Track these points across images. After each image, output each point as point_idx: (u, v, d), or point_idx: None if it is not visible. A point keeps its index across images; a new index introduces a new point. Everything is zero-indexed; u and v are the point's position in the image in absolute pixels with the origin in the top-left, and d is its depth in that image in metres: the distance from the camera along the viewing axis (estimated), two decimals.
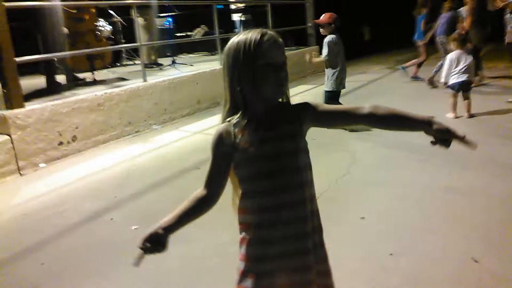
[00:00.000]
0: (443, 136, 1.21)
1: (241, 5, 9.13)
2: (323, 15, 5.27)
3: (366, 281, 2.30)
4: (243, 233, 1.37)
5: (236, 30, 9.42)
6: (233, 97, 1.33)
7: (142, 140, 5.42)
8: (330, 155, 4.38)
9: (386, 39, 12.72)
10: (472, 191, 3.29)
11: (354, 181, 3.70)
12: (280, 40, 1.32)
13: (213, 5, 7.55)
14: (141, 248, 1.29)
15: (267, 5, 8.93)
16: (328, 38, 5.18)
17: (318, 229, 1.39)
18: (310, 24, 10.33)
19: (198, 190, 1.39)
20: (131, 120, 5.63)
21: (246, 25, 9.31)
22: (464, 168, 3.74)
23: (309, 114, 1.36)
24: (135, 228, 3.05)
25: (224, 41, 7.87)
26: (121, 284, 2.46)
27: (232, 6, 9.25)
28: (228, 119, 1.35)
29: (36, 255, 2.85)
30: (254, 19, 9.54)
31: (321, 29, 5.31)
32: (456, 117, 5.33)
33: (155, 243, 1.30)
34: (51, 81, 5.88)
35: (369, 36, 13.75)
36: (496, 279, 2.22)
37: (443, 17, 7.49)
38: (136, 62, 8.45)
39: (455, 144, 1.21)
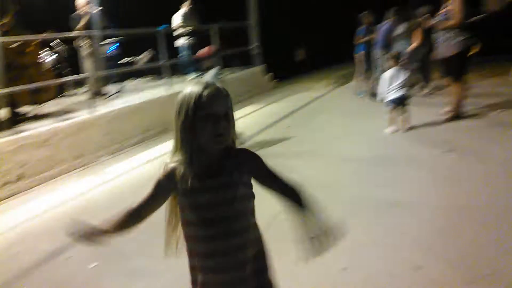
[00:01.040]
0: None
1: (187, 29, 9.25)
2: (205, 48, 5.87)
3: None
4: (191, 275, 1.54)
5: (181, 54, 9.50)
6: (180, 143, 1.43)
7: (93, 173, 5.34)
8: None
9: (324, 57, 13.16)
10: (414, 203, 3.54)
11: None
12: (223, 92, 1.41)
13: (158, 30, 7.66)
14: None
15: (212, 29, 9.08)
16: (216, 69, 5.56)
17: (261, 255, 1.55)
18: (255, 45, 10.65)
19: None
20: (80, 153, 5.53)
21: (191, 48, 9.40)
22: (405, 181, 4.02)
23: (251, 169, 1.47)
24: (94, 266, 3.03)
25: (171, 66, 8.00)
26: None
27: (179, 30, 9.33)
28: (175, 161, 1.44)
29: None
30: (199, 42, 9.65)
31: (205, 61, 5.77)
32: (395, 131, 5.63)
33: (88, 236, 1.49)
34: None
35: (303, 56, 14.29)
36: (437, 285, 2.44)
37: (382, 31, 7.86)
38: (82, 91, 8.31)
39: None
